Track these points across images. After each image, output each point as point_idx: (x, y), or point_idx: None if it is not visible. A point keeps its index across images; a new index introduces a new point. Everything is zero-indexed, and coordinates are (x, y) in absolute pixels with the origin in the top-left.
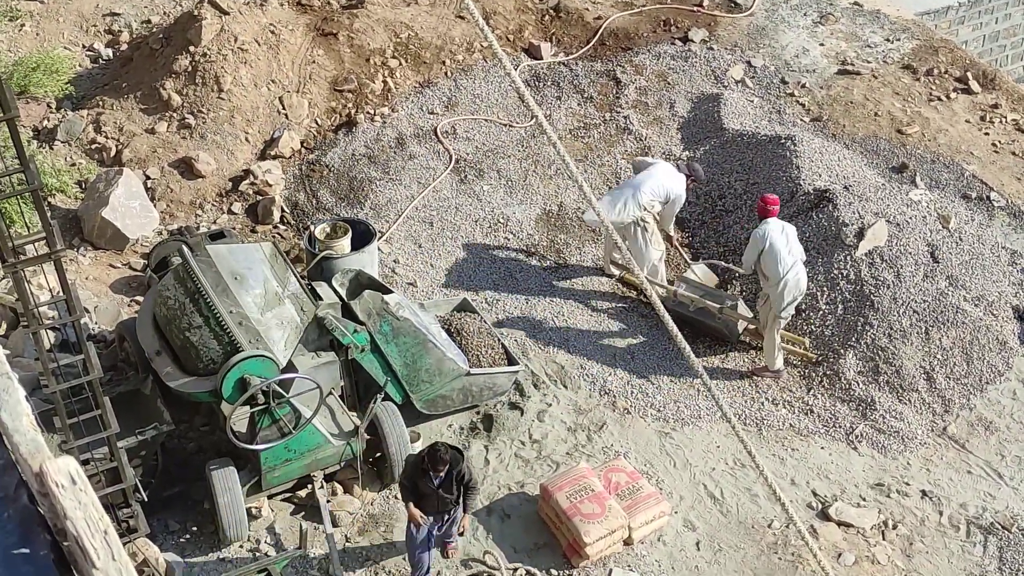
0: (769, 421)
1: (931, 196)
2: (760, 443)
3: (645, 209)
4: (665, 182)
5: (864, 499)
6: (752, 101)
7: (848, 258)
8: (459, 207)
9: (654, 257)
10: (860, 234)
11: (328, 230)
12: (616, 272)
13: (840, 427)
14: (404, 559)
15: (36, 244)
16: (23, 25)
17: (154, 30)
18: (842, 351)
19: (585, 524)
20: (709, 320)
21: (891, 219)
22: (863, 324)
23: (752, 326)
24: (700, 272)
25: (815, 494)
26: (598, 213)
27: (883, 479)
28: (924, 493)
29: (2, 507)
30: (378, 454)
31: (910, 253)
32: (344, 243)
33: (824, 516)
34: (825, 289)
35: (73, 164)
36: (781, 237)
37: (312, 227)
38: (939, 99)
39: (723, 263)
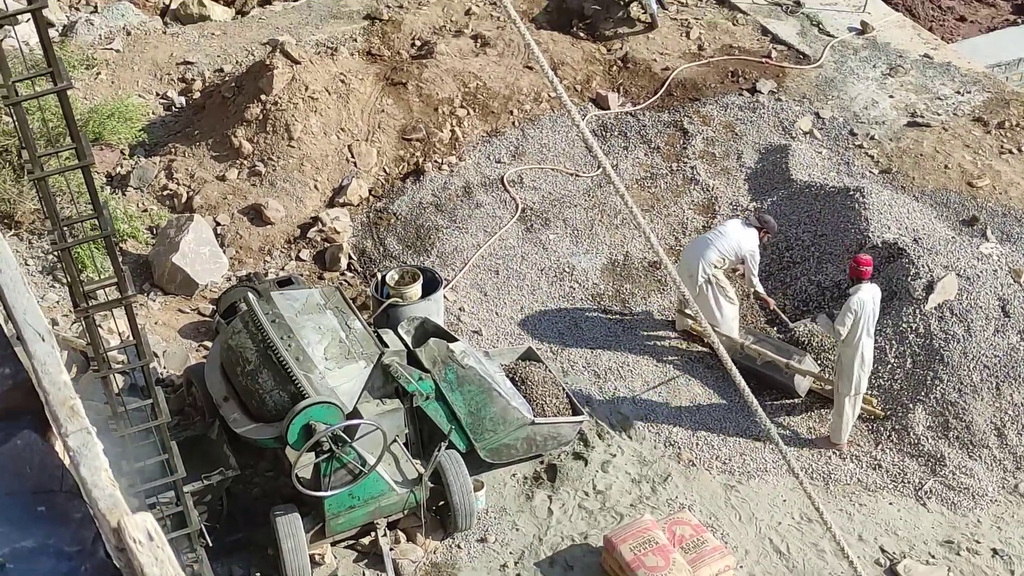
0: (836, 475)
1: (1002, 250)
2: (827, 498)
3: (715, 266)
4: (734, 238)
5: (933, 556)
6: (820, 152)
7: (917, 312)
8: (525, 256)
9: (728, 315)
10: (929, 287)
11: (397, 277)
12: (686, 324)
13: (909, 483)
14: None
15: (107, 289)
16: (99, 73)
17: (226, 79)
18: (911, 405)
19: None
20: (776, 375)
21: (961, 272)
22: (932, 378)
23: (823, 384)
24: (808, 362)
25: (883, 550)
26: (667, 268)
27: (953, 536)
28: (995, 551)
29: (80, 560)
30: (442, 503)
31: (980, 307)
32: (415, 289)
33: (892, 573)
34: (894, 343)
35: (145, 210)
36: (871, 305)
37: (379, 274)
38: (1011, 152)
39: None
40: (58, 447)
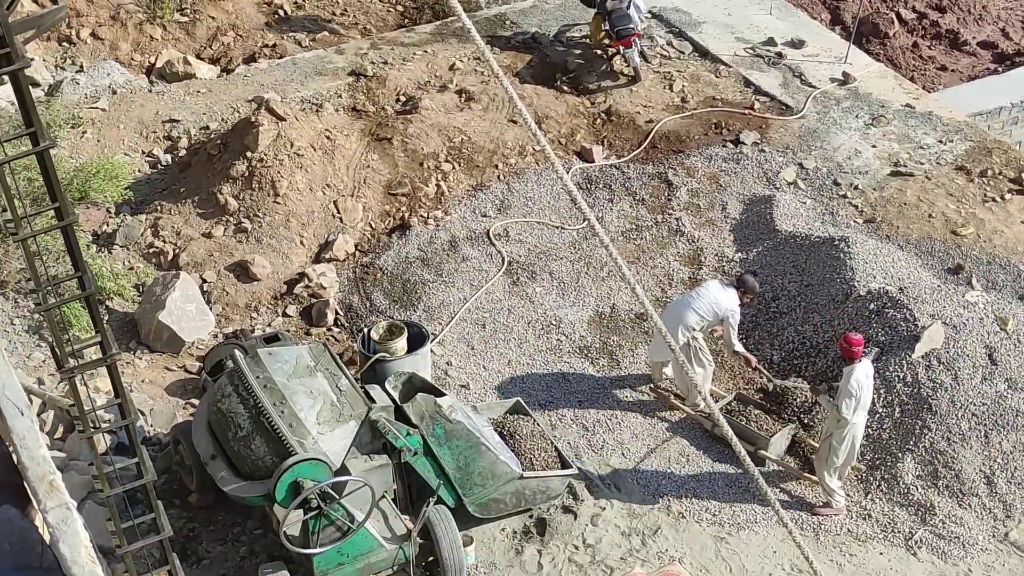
0: (827, 526)
1: (988, 298)
2: (817, 548)
3: (694, 329)
4: (712, 299)
5: None
6: (805, 203)
7: (905, 361)
8: (512, 309)
9: (698, 375)
10: (916, 336)
11: (383, 331)
12: (662, 381)
13: (899, 532)
14: None
15: (93, 347)
16: (84, 132)
17: (212, 136)
18: (900, 455)
19: None
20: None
21: (947, 321)
22: (921, 427)
23: (779, 468)
24: (777, 445)
25: None
26: (654, 319)
27: None
28: None
29: None
30: (431, 558)
31: (967, 355)
32: (400, 343)
33: None
34: (882, 392)
35: (131, 268)
36: (867, 385)
37: (366, 329)
38: (994, 200)
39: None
40: (38, 521)
